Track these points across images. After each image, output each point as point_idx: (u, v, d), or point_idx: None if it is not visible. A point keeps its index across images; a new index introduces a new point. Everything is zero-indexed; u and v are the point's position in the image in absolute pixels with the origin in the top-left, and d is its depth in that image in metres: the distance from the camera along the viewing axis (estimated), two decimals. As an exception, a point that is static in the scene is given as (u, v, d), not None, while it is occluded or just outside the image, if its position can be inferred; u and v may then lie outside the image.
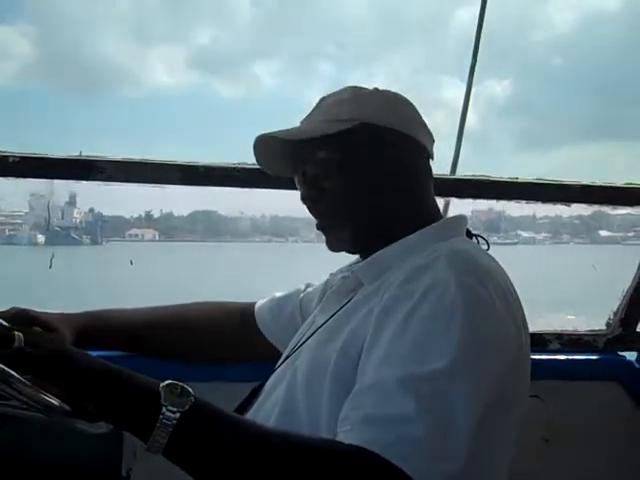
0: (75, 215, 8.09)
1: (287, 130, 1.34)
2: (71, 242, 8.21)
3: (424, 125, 1.38)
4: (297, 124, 1.38)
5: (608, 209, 2.45)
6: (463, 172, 2.21)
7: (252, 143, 1.36)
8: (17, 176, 1.95)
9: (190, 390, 0.96)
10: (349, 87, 1.37)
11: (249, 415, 1.30)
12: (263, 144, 1.35)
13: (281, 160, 1.37)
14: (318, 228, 1.34)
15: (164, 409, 0.93)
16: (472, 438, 0.99)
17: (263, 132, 1.35)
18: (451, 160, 2.27)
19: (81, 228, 8.29)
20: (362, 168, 1.29)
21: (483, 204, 2.26)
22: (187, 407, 0.94)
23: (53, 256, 1.91)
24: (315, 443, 1.01)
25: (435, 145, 1.39)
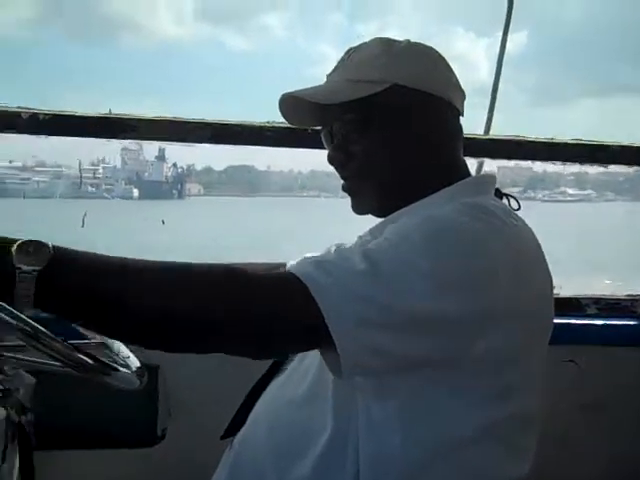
0: (165, 170, 8.31)
1: (314, 90, 1.29)
2: (162, 196, 8.41)
3: (456, 83, 1.32)
4: (309, 77, 1.34)
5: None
6: (476, 127, 2.13)
7: (267, 97, 1.33)
8: (48, 134, 1.95)
9: (47, 244, 0.91)
10: (380, 40, 1.30)
11: (282, 378, 1.28)
12: (289, 98, 1.32)
13: (307, 114, 1.33)
14: (344, 190, 1.31)
15: (18, 271, 0.88)
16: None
17: (274, 84, 1.33)
18: (483, 119, 2.21)
19: (170, 182, 8.51)
20: (390, 132, 1.24)
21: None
22: (44, 264, 0.89)
23: (85, 214, 1.91)
24: (222, 269, 1.01)
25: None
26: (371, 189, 1.27)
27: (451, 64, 1.32)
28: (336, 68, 1.31)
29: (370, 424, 1.11)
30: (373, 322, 0.99)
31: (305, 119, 1.34)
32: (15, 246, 0.89)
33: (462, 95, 1.32)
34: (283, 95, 1.29)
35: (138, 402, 1.84)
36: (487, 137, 2.18)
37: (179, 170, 8.66)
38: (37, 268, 0.88)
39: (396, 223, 1.17)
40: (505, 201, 1.30)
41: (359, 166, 1.26)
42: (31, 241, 0.90)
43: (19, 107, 1.94)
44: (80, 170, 2.47)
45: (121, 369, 1.02)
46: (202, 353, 1.04)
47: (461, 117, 1.33)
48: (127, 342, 1.04)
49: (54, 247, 0.91)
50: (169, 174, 8.52)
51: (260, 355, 1.09)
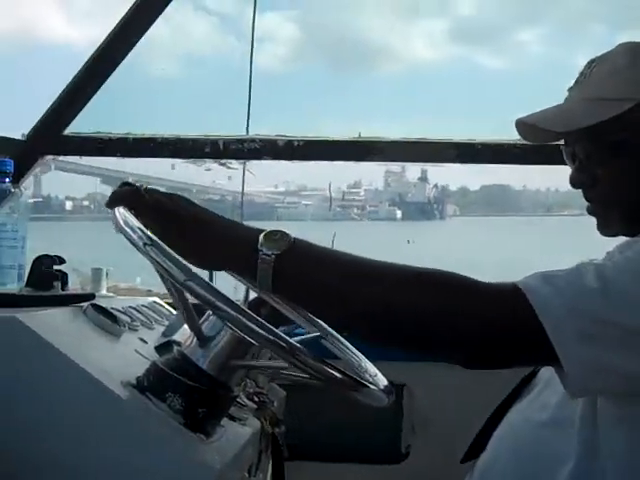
0: (427, 191, 8.55)
1: (550, 114, 1.21)
2: (425, 217, 8.64)
3: None
4: (565, 93, 1.26)
5: None
6: None
7: (520, 115, 1.27)
8: (301, 159, 2.07)
9: (289, 234, 0.99)
10: (627, 48, 1.18)
11: (526, 402, 1.25)
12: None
13: (547, 131, 1.26)
14: (589, 212, 1.24)
15: (260, 253, 0.96)
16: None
17: (528, 100, 1.27)
18: None
19: (432, 203, 8.73)
20: (639, 155, 1.14)
21: None
22: (283, 249, 0.97)
23: (335, 235, 1.98)
24: (447, 275, 1.00)
25: None
26: (618, 214, 1.19)
27: None
28: (577, 82, 1.22)
29: (615, 455, 1.05)
30: (599, 339, 0.94)
31: (545, 137, 1.28)
32: (263, 233, 0.98)
33: None
34: (517, 120, 1.25)
35: (384, 419, 1.87)
36: None
37: (439, 190, 8.75)
38: (276, 252, 0.97)
39: None
40: None
41: (604, 191, 1.18)
42: (278, 231, 0.99)
43: (277, 135, 2.07)
44: (330, 192, 2.59)
45: (370, 386, 1.05)
46: (414, 352, 1.06)
47: None
48: (345, 331, 1.10)
49: (295, 239, 0.99)
50: (431, 195, 8.62)
51: (476, 362, 1.04)
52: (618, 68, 1.16)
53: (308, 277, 1.00)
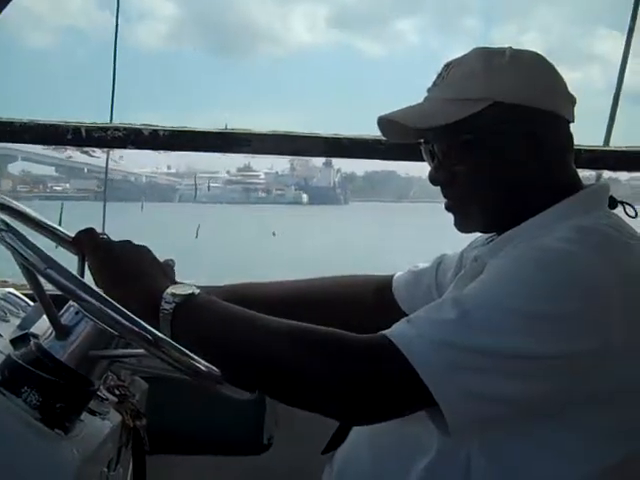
0: (332, 176, 8.61)
1: (409, 112, 1.25)
2: (330, 201, 8.71)
3: (563, 90, 1.25)
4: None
5: None
6: (627, 136, 2.04)
7: (398, 103, 1.29)
8: (166, 149, 2.04)
9: (193, 288, 1.09)
10: (481, 52, 1.23)
11: None
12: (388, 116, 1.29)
13: (408, 130, 1.29)
14: (447, 209, 1.28)
15: (163, 301, 1.07)
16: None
17: (403, 91, 1.31)
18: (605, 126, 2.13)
19: (337, 188, 8.81)
20: (493, 151, 1.19)
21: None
22: (182, 300, 1.07)
23: (199, 227, 1.97)
24: (321, 332, 1.05)
25: (588, 103, 1.27)
26: (475, 211, 1.23)
27: (593, 65, 1.26)
28: (435, 84, 1.27)
29: (480, 443, 1.09)
30: (464, 366, 0.98)
31: (405, 136, 1.30)
32: (172, 285, 1.09)
33: (571, 101, 1.25)
34: (379, 118, 1.27)
35: (246, 411, 1.88)
36: (607, 148, 2.10)
37: (343, 175, 8.92)
38: (177, 300, 1.06)
39: (497, 258, 1.14)
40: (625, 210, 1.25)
41: (461, 189, 1.23)
42: (187, 285, 1.10)
43: (142, 124, 2.03)
44: (195, 179, 2.58)
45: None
46: (298, 407, 1.08)
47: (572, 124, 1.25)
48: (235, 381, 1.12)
49: (200, 293, 1.09)
50: (335, 180, 8.77)
51: (359, 418, 1.09)
52: (474, 71, 1.21)
53: (198, 328, 1.08)
